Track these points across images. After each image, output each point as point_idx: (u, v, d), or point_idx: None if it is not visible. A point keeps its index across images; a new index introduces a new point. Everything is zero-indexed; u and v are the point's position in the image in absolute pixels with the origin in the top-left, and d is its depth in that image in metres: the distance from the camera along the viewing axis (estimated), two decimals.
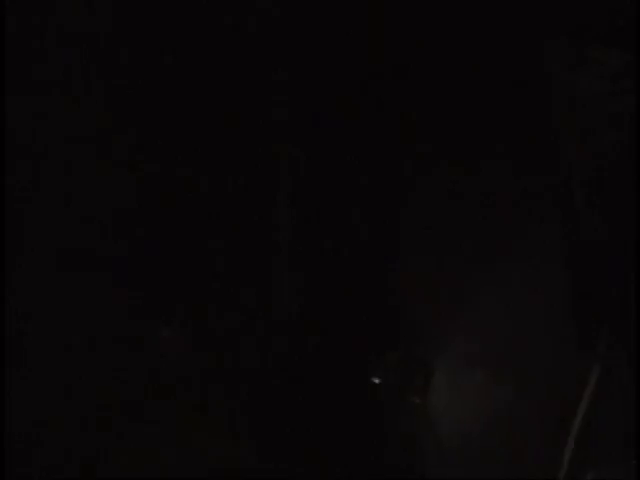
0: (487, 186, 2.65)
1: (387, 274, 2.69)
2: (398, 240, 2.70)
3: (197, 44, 2.66)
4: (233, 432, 2.61)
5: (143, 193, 2.66)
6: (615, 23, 2.53)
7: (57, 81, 2.60)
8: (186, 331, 2.67)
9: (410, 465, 2.59)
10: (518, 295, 2.59)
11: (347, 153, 2.72)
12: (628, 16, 2.50)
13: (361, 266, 2.69)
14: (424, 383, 2.59)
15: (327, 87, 2.69)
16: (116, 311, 2.65)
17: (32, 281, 2.58)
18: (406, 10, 2.66)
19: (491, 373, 2.55)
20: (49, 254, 2.61)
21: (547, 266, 2.57)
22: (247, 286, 2.67)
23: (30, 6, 2.54)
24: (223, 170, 2.69)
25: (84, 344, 2.62)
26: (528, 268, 2.59)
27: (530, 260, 2.60)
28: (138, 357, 2.64)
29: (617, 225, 2.56)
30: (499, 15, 2.63)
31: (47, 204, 2.63)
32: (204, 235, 2.70)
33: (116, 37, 2.63)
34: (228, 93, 2.68)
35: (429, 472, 2.58)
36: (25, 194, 2.60)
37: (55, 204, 2.63)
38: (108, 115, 2.65)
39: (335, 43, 2.67)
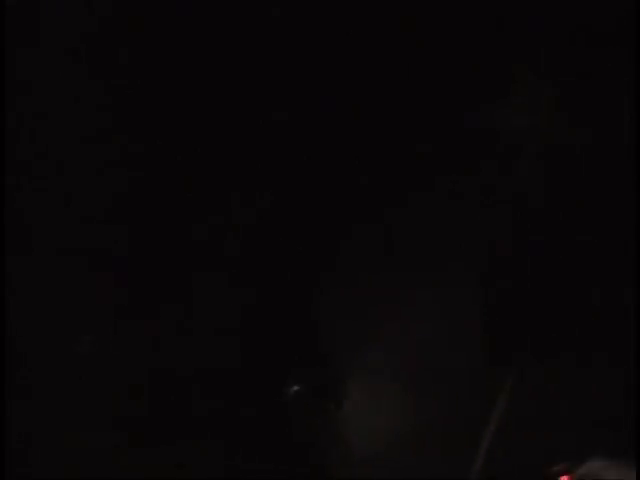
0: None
1: (311, 283, 2.70)
2: (326, 251, 2.70)
3: (197, 44, 2.66)
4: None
5: (143, 193, 2.66)
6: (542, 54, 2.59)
7: (57, 81, 2.60)
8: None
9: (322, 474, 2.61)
10: (435, 308, 2.65)
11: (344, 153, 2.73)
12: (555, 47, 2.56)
13: (287, 276, 2.70)
14: (338, 394, 2.63)
15: (325, 85, 2.69)
16: (116, 310, 2.66)
17: (32, 281, 2.59)
18: (405, 10, 2.67)
19: (407, 385, 2.61)
20: (49, 254, 2.62)
21: (465, 281, 2.66)
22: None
23: (30, 6, 2.54)
24: (221, 171, 2.70)
25: (84, 344, 2.64)
26: (447, 283, 2.66)
27: (449, 276, 2.67)
28: (137, 356, 2.65)
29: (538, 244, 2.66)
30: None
31: (47, 204, 2.63)
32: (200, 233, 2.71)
33: (116, 37, 2.63)
34: (228, 93, 2.69)
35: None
36: (25, 194, 2.60)
37: (55, 204, 2.63)
38: (108, 115, 2.64)
39: (335, 42, 2.68)
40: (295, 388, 2.61)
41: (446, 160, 2.66)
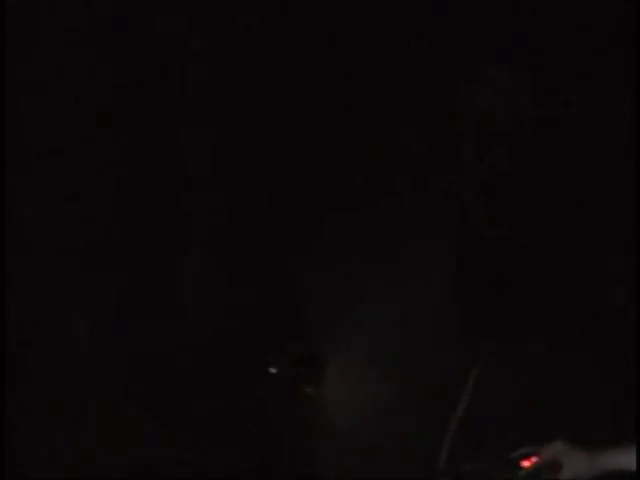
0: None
1: (292, 271, 2.80)
2: (308, 239, 2.80)
3: (194, 45, 2.66)
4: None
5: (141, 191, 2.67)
6: (510, 42, 2.61)
7: (57, 81, 2.60)
8: None
9: (300, 449, 2.65)
10: (409, 299, 2.80)
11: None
12: (523, 35, 2.59)
13: (269, 262, 2.77)
14: (317, 375, 2.73)
15: (324, 87, 2.69)
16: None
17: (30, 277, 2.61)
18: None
19: (380, 370, 2.74)
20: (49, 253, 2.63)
21: (438, 271, 2.81)
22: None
23: (29, 6, 2.55)
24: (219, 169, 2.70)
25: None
26: (421, 273, 2.83)
27: (422, 265, 2.83)
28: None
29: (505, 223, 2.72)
30: None
31: (47, 204, 2.64)
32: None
33: (116, 38, 2.63)
34: (226, 93, 2.69)
35: (318, 456, 2.67)
36: (25, 194, 2.61)
37: (55, 204, 2.65)
38: (108, 115, 2.65)
39: (331, 45, 2.68)
40: (273, 371, 2.69)
41: (428, 145, 2.74)
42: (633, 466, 1.97)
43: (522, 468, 2.14)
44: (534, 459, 2.15)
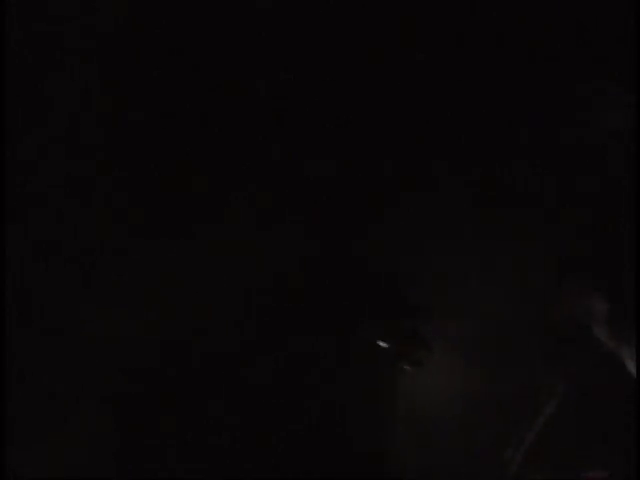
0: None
1: (403, 256, 2.87)
2: (412, 227, 2.85)
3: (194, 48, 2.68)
4: None
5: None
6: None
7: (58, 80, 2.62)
8: None
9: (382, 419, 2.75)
10: (514, 293, 2.81)
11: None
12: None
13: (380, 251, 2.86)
14: (419, 356, 2.82)
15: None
16: None
17: None
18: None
19: (475, 370, 2.78)
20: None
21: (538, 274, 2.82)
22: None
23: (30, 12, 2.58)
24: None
25: None
26: (523, 272, 2.83)
27: (525, 266, 2.84)
28: None
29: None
30: None
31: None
32: None
33: (117, 42, 2.65)
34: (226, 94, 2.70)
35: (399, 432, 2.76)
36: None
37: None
38: (107, 116, 2.66)
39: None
40: (382, 344, 2.77)
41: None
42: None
43: None
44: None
